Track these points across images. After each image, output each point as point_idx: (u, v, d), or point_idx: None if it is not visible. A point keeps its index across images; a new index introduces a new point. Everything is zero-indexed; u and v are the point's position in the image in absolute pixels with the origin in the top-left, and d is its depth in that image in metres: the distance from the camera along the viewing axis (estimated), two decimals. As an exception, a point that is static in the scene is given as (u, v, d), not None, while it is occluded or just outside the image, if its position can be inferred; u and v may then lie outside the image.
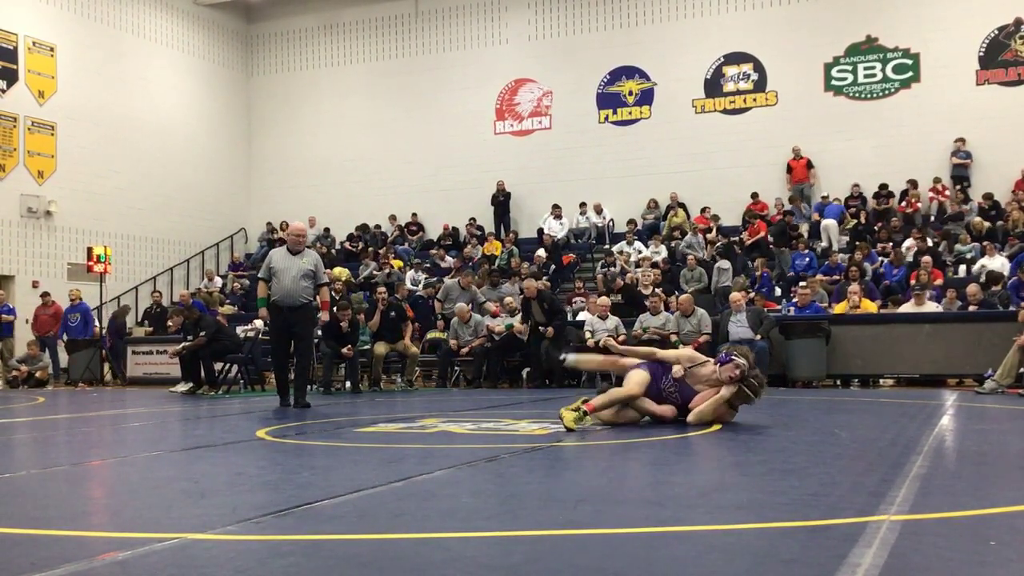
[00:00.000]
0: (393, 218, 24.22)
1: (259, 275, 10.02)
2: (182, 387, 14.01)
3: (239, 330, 14.87)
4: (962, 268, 16.86)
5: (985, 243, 16.95)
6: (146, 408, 10.62)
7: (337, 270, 20.20)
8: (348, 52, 25.60)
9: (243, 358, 13.95)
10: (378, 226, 24.09)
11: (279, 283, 9.54)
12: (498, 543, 3.05)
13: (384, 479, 4.35)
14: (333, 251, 23.53)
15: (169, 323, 17.40)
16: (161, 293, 21.55)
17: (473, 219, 23.12)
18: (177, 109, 24.28)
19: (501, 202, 23.11)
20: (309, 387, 13.30)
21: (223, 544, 3.05)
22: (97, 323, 18.78)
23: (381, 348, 13.90)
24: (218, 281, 22.71)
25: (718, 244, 19.12)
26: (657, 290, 15.62)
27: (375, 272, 20.51)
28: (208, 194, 24.86)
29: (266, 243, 24.87)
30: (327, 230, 24.49)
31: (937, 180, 19.72)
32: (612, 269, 18.72)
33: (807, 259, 17.97)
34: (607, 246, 20.97)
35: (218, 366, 14.09)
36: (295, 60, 26.16)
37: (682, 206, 21.43)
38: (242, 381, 13.97)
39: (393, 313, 14.17)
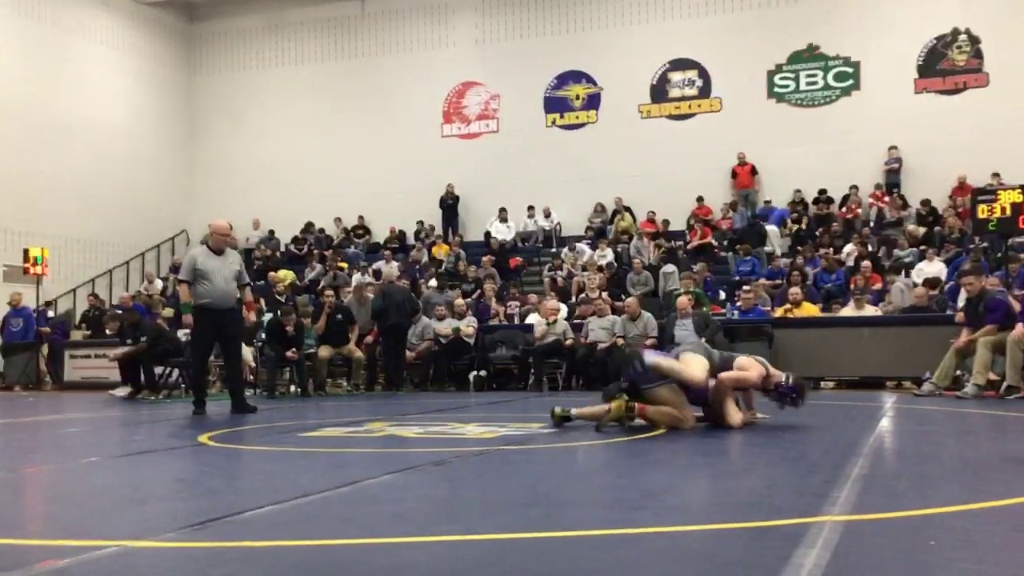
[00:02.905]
0: (338, 220, 24.03)
1: (182, 278, 9.44)
2: (121, 391, 13.75)
3: (180, 333, 14.63)
4: (901, 273, 17.17)
5: (923, 248, 17.31)
6: (84, 413, 10.41)
7: (282, 273, 20.00)
8: (294, 53, 25.37)
9: (184, 362, 13.73)
10: (322, 229, 23.89)
11: (211, 285, 9.18)
12: (447, 548, 3.03)
13: (330, 484, 4.30)
14: (278, 254, 23.29)
15: (107, 328, 17.06)
16: (99, 296, 21.11)
17: (421, 222, 23.06)
18: (116, 108, 23.84)
19: (450, 205, 23.07)
20: (253, 391, 13.24)
21: (163, 552, 2.99)
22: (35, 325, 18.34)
23: (325, 352, 13.77)
24: (159, 284, 22.32)
25: (663, 248, 19.30)
26: (603, 294, 15.70)
27: (321, 275, 20.33)
28: (149, 195, 24.42)
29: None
30: (272, 232, 24.22)
31: (878, 186, 20.14)
32: (560, 272, 18.80)
33: (750, 264, 18.20)
34: (554, 249, 21.06)
35: (158, 370, 13.85)
36: (239, 60, 25.85)
37: (628, 210, 21.59)
38: (183, 385, 13.76)
39: (339, 316, 14.05)
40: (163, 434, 7.65)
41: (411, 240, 23.06)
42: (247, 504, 3.77)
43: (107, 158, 23.20)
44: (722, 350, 7.31)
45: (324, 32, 25.12)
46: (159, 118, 25.07)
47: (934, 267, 16.34)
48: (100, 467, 5.50)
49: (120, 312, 15.20)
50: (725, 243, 19.91)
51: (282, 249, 23.79)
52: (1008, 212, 12.07)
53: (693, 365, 6.59)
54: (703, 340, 12.78)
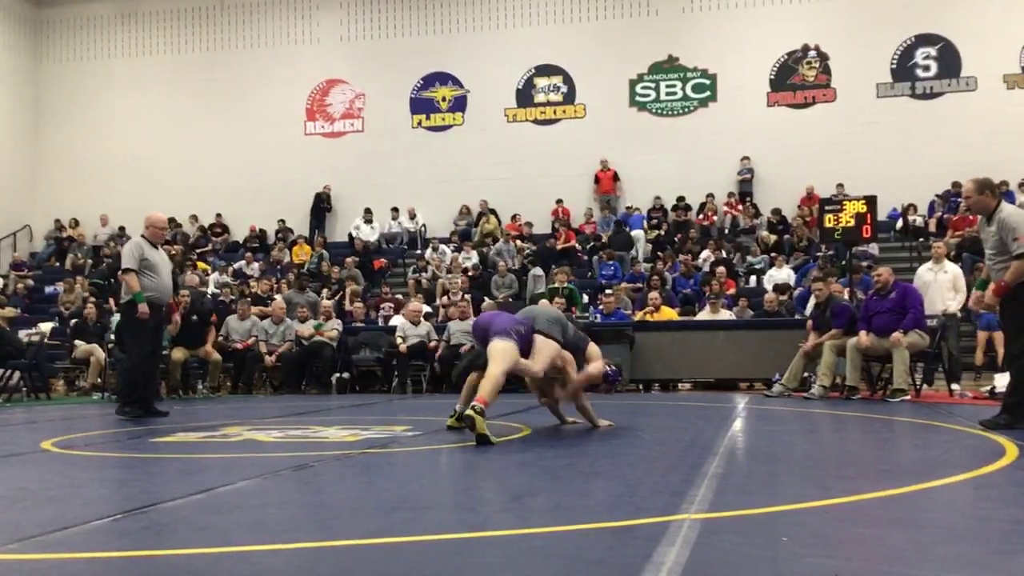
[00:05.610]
0: (195, 218, 23.26)
1: (128, 266, 8.84)
2: (-44, 396, 12.94)
3: (22, 334, 13.89)
4: (753, 278, 17.89)
5: (773, 255, 18.06)
6: (-87, 419, 9.72)
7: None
8: (148, 43, 24.43)
9: (27, 364, 13.04)
10: (180, 225, 23.09)
11: (158, 279, 8.86)
12: (306, 555, 2.96)
13: (183, 491, 4.14)
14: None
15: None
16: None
17: (283, 220, 22.58)
18: (-46, 95, 22.44)
19: (323, 207, 22.68)
20: (102, 395, 12.70)
21: (2, 565, 2.81)
22: None
23: (179, 354, 13.28)
24: (-1, 281, 21.11)
25: (527, 252, 19.49)
26: (467, 296, 15.73)
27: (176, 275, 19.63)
28: (-11, 187, 23.08)
29: (54, 241, 23.38)
30: (122, 229, 23.22)
31: (732, 195, 20.89)
32: (425, 274, 18.73)
33: (612, 268, 18.57)
34: (419, 251, 20.99)
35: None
36: (89, 49, 24.71)
37: (493, 213, 21.71)
38: (24, 389, 13.06)
39: (195, 317, 13.58)
40: (2, 440, 7.22)
41: (272, 240, 22.54)
42: (95, 513, 3.59)
43: (-58, 147, 21.81)
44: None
45: (180, 22, 24.28)
46: (1, 106, 23.70)
47: (783, 273, 17.07)
48: (-70, 477, 5.15)
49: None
50: (589, 247, 20.26)
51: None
52: (852, 222, 12.68)
53: (538, 360, 6.63)
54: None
